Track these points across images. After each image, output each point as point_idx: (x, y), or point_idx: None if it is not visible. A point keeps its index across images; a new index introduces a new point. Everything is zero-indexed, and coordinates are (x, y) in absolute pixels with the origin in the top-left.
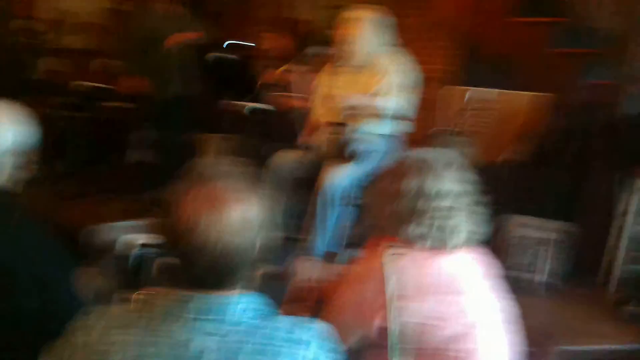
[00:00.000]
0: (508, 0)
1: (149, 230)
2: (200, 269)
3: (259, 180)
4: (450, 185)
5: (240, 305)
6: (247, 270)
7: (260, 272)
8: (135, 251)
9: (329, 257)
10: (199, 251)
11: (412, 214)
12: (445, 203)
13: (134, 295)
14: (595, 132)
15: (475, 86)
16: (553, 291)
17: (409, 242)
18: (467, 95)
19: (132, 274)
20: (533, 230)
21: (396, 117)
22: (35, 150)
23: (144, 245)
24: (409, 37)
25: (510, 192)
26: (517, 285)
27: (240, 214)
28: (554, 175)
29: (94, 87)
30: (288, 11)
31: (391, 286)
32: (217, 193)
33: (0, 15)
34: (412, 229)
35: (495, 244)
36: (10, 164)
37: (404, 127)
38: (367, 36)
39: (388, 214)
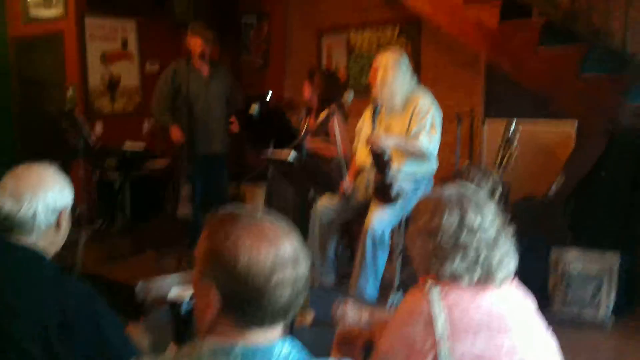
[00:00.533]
0: (535, 30)
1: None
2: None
3: (294, 226)
4: (491, 218)
5: (284, 351)
6: (299, 306)
7: (311, 316)
8: (186, 302)
9: (378, 300)
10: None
11: (456, 249)
12: (489, 235)
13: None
14: None
15: (511, 118)
16: (617, 326)
17: (455, 279)
18: (511, 127)
19: (184, 325)
20: (591, 263)
21: (431, 155)
22: (71, 212)
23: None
24: (440, 75)
25: (563, 224)
26: (579, 321)
27: (291, 247)
28: (606, 204)
29: (144, 147)
30: (326, 61)
31: (440, 326)
32: (267, 229)
33: (56, 82)
34: (458, 264)
35: (553, 278)
36: (46, 224)
37: (436, 165)
38: (399, 78)
39: (430, 251)
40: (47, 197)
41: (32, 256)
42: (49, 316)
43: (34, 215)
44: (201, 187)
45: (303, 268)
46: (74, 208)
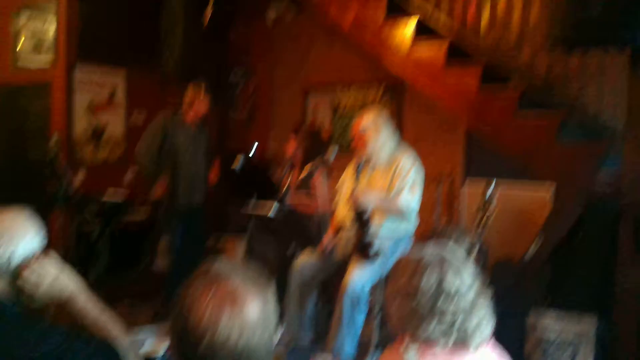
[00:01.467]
0: (514, 95)
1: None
2: None
3: (269, 280)
4: (470, 282)
5: None
6: None
7: None
8: (161, 354)
9: (355, 359)
10: (221, 349)
11: (433, 312)
12: (467, 300)
13: None
14: (619, 220)
15: (488, 179)
16: None
17: (430, 342)
18: (490, 188)
19: None
20: (568, 328)
21: (411, 215)
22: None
23: (164, 355)
24: (421, 136)
25: (540, 287)
26: None
27: (258, 310)
28: (583, 267)
29: (125, 197)
30: (311, 117)
31: None
32: (235, 290)
33: (40, 131)
34: (434, 328)
35: (529, 343)
36: (14, 274)
37: (416, 223)
38: (381, 137)
39: (408, 313)
40: (20, 243)
41: None
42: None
43: (9, 259)
44: (180, 238)
45: (251, 340)
46: (43, 253)
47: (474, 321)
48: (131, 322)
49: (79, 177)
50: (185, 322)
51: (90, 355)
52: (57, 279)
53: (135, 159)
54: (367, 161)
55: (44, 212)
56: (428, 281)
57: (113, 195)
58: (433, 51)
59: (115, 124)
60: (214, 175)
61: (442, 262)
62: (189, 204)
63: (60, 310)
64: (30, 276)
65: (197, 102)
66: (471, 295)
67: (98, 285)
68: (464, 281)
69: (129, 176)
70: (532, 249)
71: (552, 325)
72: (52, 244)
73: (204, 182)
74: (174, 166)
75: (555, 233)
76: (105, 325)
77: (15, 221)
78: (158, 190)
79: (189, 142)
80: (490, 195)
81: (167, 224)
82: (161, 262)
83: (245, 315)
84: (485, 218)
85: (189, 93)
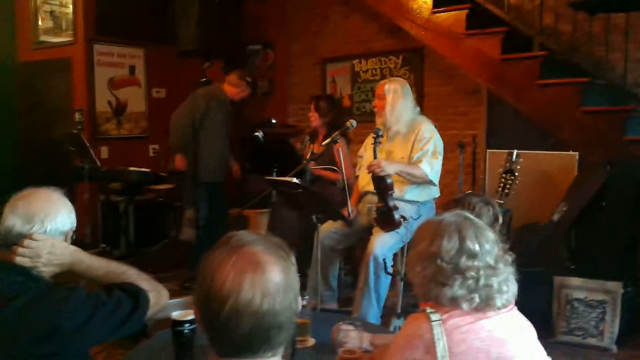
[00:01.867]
0: (536, 63)
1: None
2: (245, 332)
3: (291, 248)
4: (491, 243)
5: None
6: (289, 333)
7: (311, 343)
8: (188, 324)
9: (379, 325)
10: (244, 312)
11: (455, 274)
12: (489, 260)
13: None
14: None
15: (510, 149)
16: (621, 354)
17: (454, 303)
18: (512, 156)
19: (186, 347)
20: (594, 292)
21: (434, 180)
22: (73, 235)
23: (193, 322)
24: (442, 104)
25: (565, 252)
26: (583, 350)
27: (280, 274)
28: (607, 233)
29: (149, 171)
30: (330, 88)
31: (440, 351)
32: (256, 256)
33: (62, 107)
34: (457, 289)
35: (556, 306)
36: (48, 249)
37: (438, 191)
38: (404, 104)
39: (430, 276)
40: (57, 219)
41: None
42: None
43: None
44: (207, 210)
45: (275, 303)
46: (74, 233)
47: (496, 282)
48: None
49: (103, 152)
50: (208, 289)
51: (115, 305)
52: (54, 246)
53: (171, 130)
54: (388, 129)
55: (69, 187)
56: (449, 243)
57: (137, 168)
58: (454, 16)
59: (136, 99)
60: (237, 168)
61: (462, 224)
62: (216, 177)
63: (71, 274)
64: (25, 250)
65: (242, 87)
66: (493, 255)
67: (125, 257)
68: (484, 243)
69: (152, 149)
70: (557, 215)
71: (577, 289)
72: (79, 219)
73: (228, 157)
74: (210, 140)
75: (580, 199)
76: (117, 270)
77: (51, 200)
78: (180, 162)
79: (227, 119)
80: (514, 161)
81: (192, 196)
82: (187, 233)
83: (267, 279)
84: (508, 185)
85: (235, 77)
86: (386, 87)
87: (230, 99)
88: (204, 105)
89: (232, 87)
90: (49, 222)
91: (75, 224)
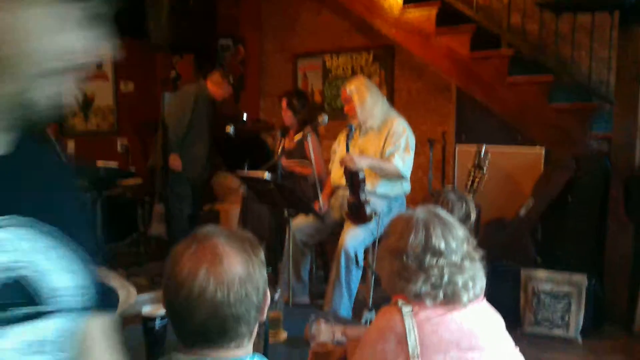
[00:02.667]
0: (504, 60)
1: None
2: (200, 321)
3: (259, 242)
4: (459, 240)
5: None
6: (249, 325)
7: (284, 336)
8: (159, 318)
9: (351, 318)
10: (198, 301)
11: (420, 270)
12: (455, 257)
13: None
14: (609, 182)
15: (481, 142)
16: (586, 344)
17: (418, 299)
18: (481, 152)
19: (157, 341)
20: (560, 284)
21: (405, 175)
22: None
23: (164, 317)
24: (412, 100)
25: (532, 247)
26: (549, 341)
27: (240, 266)
28: (573, 228)
29: (117, 167)
30: (302, 83)
31: (412, 343)
32: (217, 247)
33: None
34: (421, 285)
35: (523, 298)
36: None
37: (409, 185)
38: (367, 102)
39: (396, 271)
40: None
41: None
42: None
43: None
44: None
45: (230, 293)
46: None
47: (461, 280)
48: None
49: (70, 147)
50: (168, 277)
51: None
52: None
53: (171, 128)
54: (359, 125)
55: None
56: (415, 239)
57: (106, 163)
58: (424, 14)
59: (103, 93)
60: None
61: (430, 220)
62: (201, 174)
63: None
64: None
65: (225, 87)
66: (460, 253)
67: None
68: (451, 240)
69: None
70: (524, 209)
71: (544, 282)
72: None
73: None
74: (198, 138)
75: (547, 194)
76: None
77: None
78: (175, 162)
79: (212, 116)
80: (482, 158)
81: (171, 192)
82: (156, 228)
83: (223, 270)
84: (477, 180)
85: (218, 76)
86: (348, 90)
87: (212, 98)
88: (193, 103)
89: (215, 87)
90: None
91: None
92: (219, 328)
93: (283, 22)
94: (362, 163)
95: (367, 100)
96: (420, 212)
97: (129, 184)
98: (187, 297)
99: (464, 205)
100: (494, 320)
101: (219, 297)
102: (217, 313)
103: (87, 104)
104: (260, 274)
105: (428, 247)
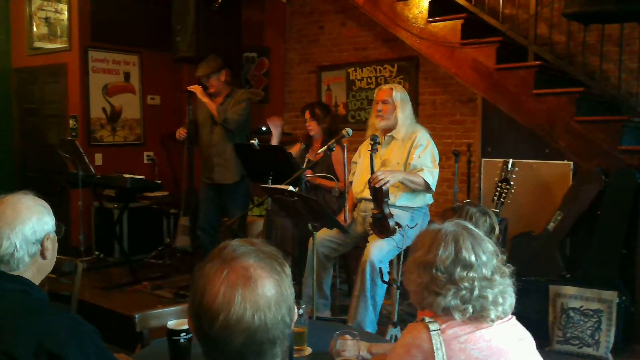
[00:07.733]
0: (531, 73)
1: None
2: (237, 347)
3: (285, 257)
4: (488, 254)
5: None
6: (283, 346)
7: (308, 352)
8: (184, 332)
9: (377, 333)
10: (235, 328)
11: (449, 284)
12: (484, 273)
13: None
14: (639, 196)
15: (505, 158)
16: None
17: (447, 313)
18: (508, 165)
19: (182, 355)
20: (590, 301)
21: (428, 190)
22: (57, 231)
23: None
24: (437, 112)
25: (560, 261)
26: (579, 359)
27: (273, 288)
28: (604, 243)
29: (144, 178)
30: (325, 96)
31: None
32: (248, 270)
33: (57, 113)
34: (450, 299)
35: (551, 315)
36: (30, 255)
37: (430, 197)
38: (408, 112)
39: (425, 285)
40: (25, 230)
41: (18, 287)
42: (22, 346)
43: (15, 251)
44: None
45: (266, 318)
46: (59, 226)
47: (491, 295)
48: (153, 300)
49: (97, 159)
50: (199, 303)
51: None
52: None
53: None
54: (383, 135)
55: (63, 194)
56: (444, 253)
57: (132, 175)
58: (449, 26)
59: (130, 106)
60: None
61: (460, 234)
62: (211, 181)
63: None
64: (44, 259)
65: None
66: (490, 267)
67: (120, 264)
68: (481, 254)
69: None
70: (552, 223)
71: (573, 298)
72: (73, 225)
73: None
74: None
75: (575, 208)
76: None
77: (17, 210)
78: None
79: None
80: (509, 170)
81: (188, 204)
82: (182, 240)
83: (259, 294)
84: (504, 193)
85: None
86: (394, 93)
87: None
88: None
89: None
90: (16, 236)
91: (52, 225)
92: (256, 353)
93: (307, 34)
94: (393, 179)
95: (407, 110)
96: (448, 225)
97: (155, 196)
98: (224, 326)
99: (488, 219)
100: (524, 339)
101: (257, 323)
102: (254, 339)
103: (114, 116)
104: (291, 291)
105: (458, 260)
